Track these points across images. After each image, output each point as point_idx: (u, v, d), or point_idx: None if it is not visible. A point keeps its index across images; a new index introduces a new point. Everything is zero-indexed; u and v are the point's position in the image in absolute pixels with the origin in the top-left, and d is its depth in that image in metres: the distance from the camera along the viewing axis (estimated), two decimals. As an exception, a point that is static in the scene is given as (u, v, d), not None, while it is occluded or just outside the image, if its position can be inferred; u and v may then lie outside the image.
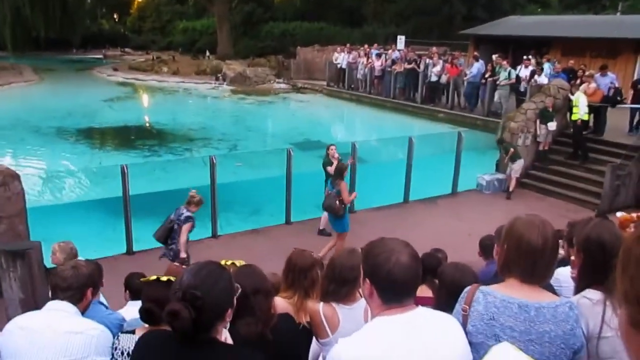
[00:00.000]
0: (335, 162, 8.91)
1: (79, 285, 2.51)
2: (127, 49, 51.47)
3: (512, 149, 11.61)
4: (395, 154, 15.22)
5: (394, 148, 15.12)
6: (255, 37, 39.30)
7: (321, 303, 2.94)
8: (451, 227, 9.54)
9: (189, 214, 6.64)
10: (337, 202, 7.66)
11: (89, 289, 2.56)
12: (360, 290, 2.84)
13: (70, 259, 4.55)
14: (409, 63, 20.62)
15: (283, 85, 29.14)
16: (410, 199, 11.00)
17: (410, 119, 19.85)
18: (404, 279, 1.76)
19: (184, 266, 6.18)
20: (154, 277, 2.58)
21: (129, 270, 4.32)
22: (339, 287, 2.91)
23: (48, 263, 4.86)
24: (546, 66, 16.91)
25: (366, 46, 24.79)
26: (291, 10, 40.26)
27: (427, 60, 19.98)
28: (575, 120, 12.03)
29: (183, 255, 6.61)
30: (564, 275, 2.75)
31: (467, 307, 1.99)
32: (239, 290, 1.89)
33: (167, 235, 6.69)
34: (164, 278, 2.51)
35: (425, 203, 11.07)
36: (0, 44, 43.93)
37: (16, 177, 6.63)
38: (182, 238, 6.61)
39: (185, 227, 6.60)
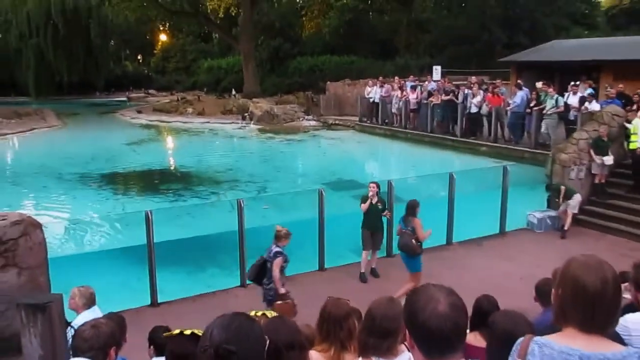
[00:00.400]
0: (368, 201, 8.91)
1: (100, 346, 2.52)
2: (151, 90, 53.33)
3: (562, 187, 11.33)
4: (435, 192, 15.04)
5: (434, 185, 14.96)
6: (283, 74, 40.23)
7: (360, 358, 2.88)
8: (501, 271, 9.30)
9: (278, 249, 7.04)
10: (413, 240, 7.90)
11: (111, 349, 2.57)
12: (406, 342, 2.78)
13: (89, 305, 4.60)
14: (447, 94, 20.67)
15: (313, 122, 29.53)
16: (454, 240, 10.82)
17: (450, 154, 19.72)
18: (440, 331, 1.71)
19: (288, 301, 6.71)
20: (177, 331, 2.57)
21: (154, 324, 4.32)
22: (379, 341, 2.83)
23: (67, 310, 4.91)
24: (587, 93, 16.70)
25: (397, 78, 25.06)
26: (319, 44, 41.19)
27: (466, 91, 20.00)
28: (635, 149, 11.75)
29: (282, 290, 6.98)
30: (633, 323, 2.63)
31: (522, 360, 1.92)
32: (268, 343, 1.87)
33: (259, 274, 7.11)
34: (188, 331, 2.51)
35: (470, 244, 10.85)
36: (23, 89, 46.27)
37: (38, 226, 6.82)
38: (275, 273, 6.97)
39: (276, 263, 6.97)
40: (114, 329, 2.66)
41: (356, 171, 18.88)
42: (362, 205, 8.99)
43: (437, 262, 9.85)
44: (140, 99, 48.06)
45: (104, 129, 29.63)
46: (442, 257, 10.18)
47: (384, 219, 9.17)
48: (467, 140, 19.76)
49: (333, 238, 9.80)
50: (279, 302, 6.79)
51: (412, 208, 8.07)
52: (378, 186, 9.06)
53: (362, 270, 9.14)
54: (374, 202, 8.93)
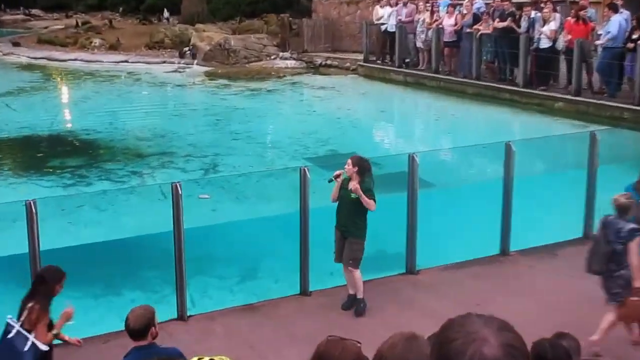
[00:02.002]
0: (336, 186, 8.86)
1: None
2: (34, 11, 52.60)
3: None
4: (482, 173, 15.05)
5: (480, 162, 14.96)
6: (244, -15, 39.83)
7: None
8: (584, 296, 9.35)
9: (632, 224, 7.56)
10: None
11: None
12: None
13: None
14: (503, 19, 20.64)
15: (291, 63, 29.41)
16: (512, 247, 10.88)
17: (507, 113, 19.78)
18: None
19: None
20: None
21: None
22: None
23: None
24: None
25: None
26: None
27: (533, 14, 19.96)
28: None
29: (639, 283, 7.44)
30: None
31: None
32: None
33: (608, 263, 7.67)
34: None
35: (537, 254, 10.90)
36: None
37: None
38: (634, 260, 7.43)
39: (636, 242, 7.46)
40: None
41: (359, 140, 18.83)
42: (333, 193, 9.00)
43: (484, 281, 9.90)
44: (18, 25, 47.45)
45: (-41, 71, 29.32)
46: (493, 274, 10.23)
47: (367, 212, 8.91)
48: (534, 91, 19.76)
49: (322, 244, 9.78)
50: (634, 298, 7.29)
51: None
52: (358, 163, 8.84)
53: (350, 292, 9.13)
54: (350, 188, 8.80)
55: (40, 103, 24.32)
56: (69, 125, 22.42)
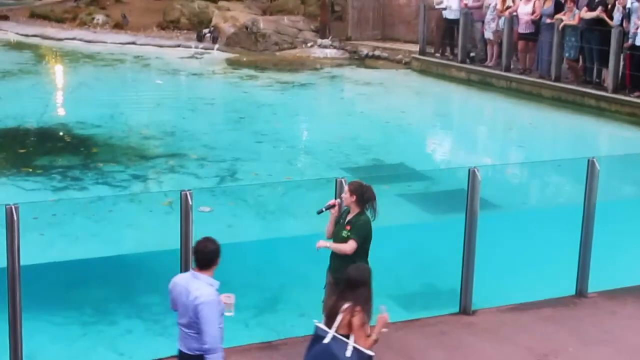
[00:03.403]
0: (332, 217, 8.59)
1: None
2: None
3: None
4: (558, 195, 14.92)
5: (556, 182, 14.82)
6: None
7: None
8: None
9: None
10: None
11: None
12: None
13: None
14: (591, 8, 20.49)
15: (331, 52, 29.39)
16: (591, 287, 10.79)
17: (592, 122, 19.67)
18: None
19: None
20: None
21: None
22: None
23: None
24: None
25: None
26: None
27: (629, 3, 19.78)
28: None
29: None
30: None
31: None
32: None
33: None
34: None
35: (621, 298, 10.79)
36: None
37: None
38: None
39: None
40: None
41: (410, 148, 18.78)
42: (327, 227, 8.80)
43: (555, 327, 9.82)
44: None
45: None
46: (566, 318, 10.14)
47: (367, 254, 8.60)
48: (626, 98, 19.59)
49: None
50: None
51: None
52: (357, 190, 8.59)
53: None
54: (346, 220, 8.61)
55: (29, 89, 24.49)
56: (62, 116, 22.51)
